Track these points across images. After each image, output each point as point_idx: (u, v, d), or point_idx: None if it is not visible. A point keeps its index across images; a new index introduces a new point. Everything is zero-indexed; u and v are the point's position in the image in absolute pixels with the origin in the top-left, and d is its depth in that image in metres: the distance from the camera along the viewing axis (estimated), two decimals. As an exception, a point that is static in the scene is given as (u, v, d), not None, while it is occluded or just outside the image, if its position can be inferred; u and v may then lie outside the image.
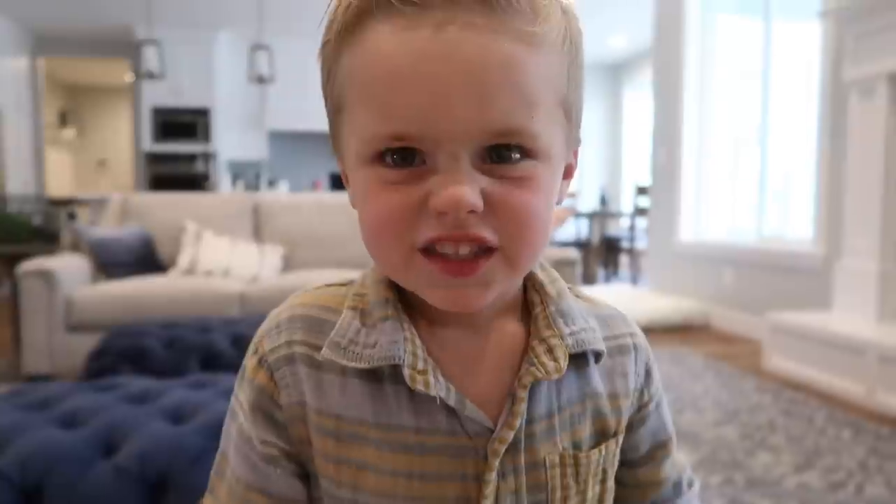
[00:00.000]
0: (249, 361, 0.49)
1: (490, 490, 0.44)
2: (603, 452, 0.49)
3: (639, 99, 7.94)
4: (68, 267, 3.08)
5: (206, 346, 2.12)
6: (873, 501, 1.85)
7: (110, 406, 1.35)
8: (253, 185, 7.57)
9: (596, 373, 0.50)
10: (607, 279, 6.87)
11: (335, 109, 0.45)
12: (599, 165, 8.52)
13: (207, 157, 7.26)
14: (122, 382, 1.56)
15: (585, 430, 0.49)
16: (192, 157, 7.24)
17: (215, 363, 2.07)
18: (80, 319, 2.96)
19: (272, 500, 0.46)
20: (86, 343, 2.67)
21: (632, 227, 6.48)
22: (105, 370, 1.99)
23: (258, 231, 3.79)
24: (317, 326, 0.47)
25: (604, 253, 7.17)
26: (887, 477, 1.99)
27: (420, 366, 0.44)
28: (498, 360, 0.47)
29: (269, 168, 7.87)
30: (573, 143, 0.47)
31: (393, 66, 0.39)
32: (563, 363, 0.46)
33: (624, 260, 7.22)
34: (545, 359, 0.46)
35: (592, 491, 0.49)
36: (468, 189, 0.39)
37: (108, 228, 3.53)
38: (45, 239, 4.65)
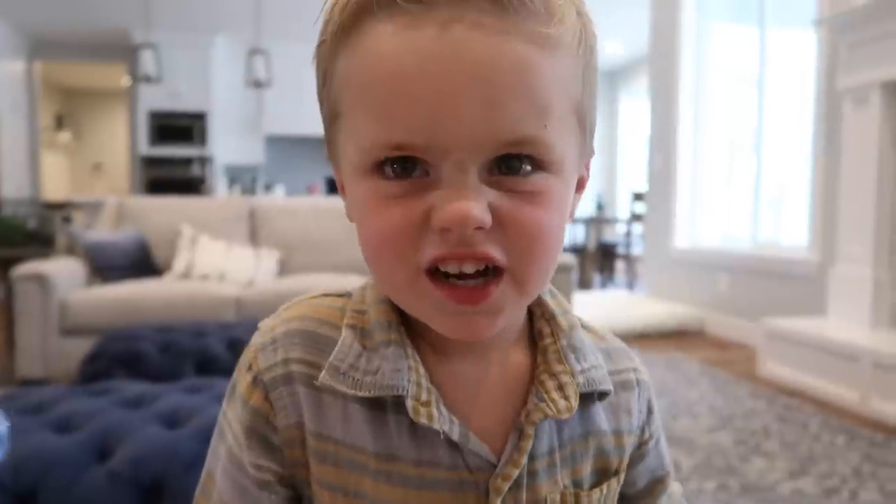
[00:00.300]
0: (243, 379, 0.45)
1: None
2: (604, 492, 0.48)
3: (635, 105, 7.97)
4: (63, 270, 3.07)
5: (201, 351, 2.12)
6: (867, 508, 1.85)
7: (105, 410, 1.35)
8: (249, 189, 7.56)
9: (601, 410, 0.48)
10: (603, 285, 6.87)
11: (331, 115, 0.42)
12: (595, 171, 8.38)
13: (204, 160, 7.26)
14: (116, 387, 1.56)
15: (586, 468, 0.47)
16: (188, 161, 7.24)
17: (210, 367, 2.07)
18: (74, 323, 2.95)
19: None
20: (80, 347, 2.66)
21: (628, 233, 6.50)
22: (99, 374, 1.98)
23: (254, 235, 3.78)
24: (315, 343, 0.44)
25: (600, 259, 7.18)
26: (881, 483, 2.00)
27: (424, 397, 0.42)
28: (503, 391, 0.45)
29: (265, 172, 7.87)
30: (586, 153, 0.44)
31: (394, 67, 0.36)
32: (574, 402, 0.44)
33: (620, 266, 7.23)
34: (555, 395, 0.44)
35: None
36: (475, 204, 0.36)
37: (103, 232, 3.52)
38: (41, 242, 4.65)
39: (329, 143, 0.44)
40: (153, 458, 1.17)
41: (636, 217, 6.32)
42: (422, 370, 0.43)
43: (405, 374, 0.42)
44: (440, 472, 0.43)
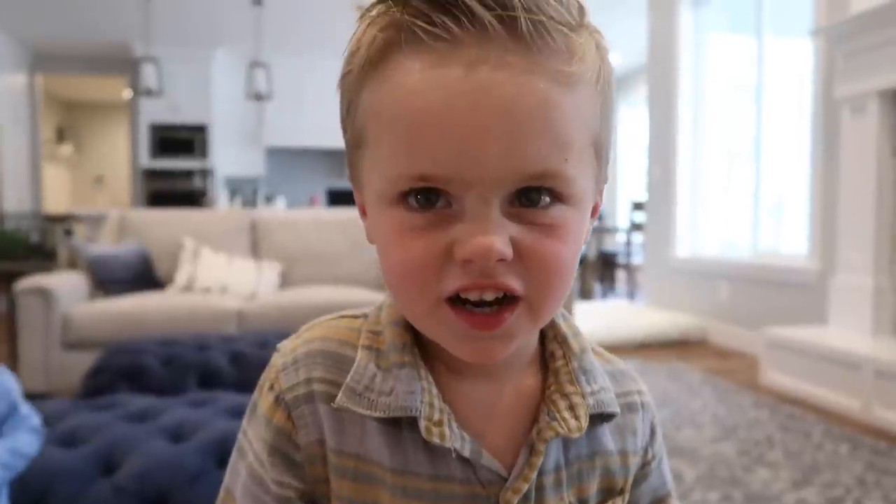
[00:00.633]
0: (265, 399, 0.47)
1: None
2: None
3: (634, 115, 8.00)
4: (66, 284, 3.08)
5: (203, 364, 2.12)
6: (871, 517, 1.85)
7: (109, 424, 1.35)
8: (250, 201, 7.58)
9: (607, 431, 0.50)
10: (604, 294, 6.87)
11: (355, 143, 0.44)
12: (595, 181, 8.54)
13: (205, 173, 7.28)
14: (120, 401, 1.56)
15: (592, 487, 0.49)
16: (189, 174, 7.26)
17: (213, 381, 2.07)
18: (77, 337, 2.95)
19: None
20: (83, 361, 2.67)
21: (628, 243, 6.50)
22: (103, 388, 1.99)
23: (256, 247, 3.79)
24: (335, 362, 0.46)
25: (600, 268, 7.19)
26: (885, 492, 1.99)
27: (436, 416, 0.44)
28: (515, 410, 0.47)
29: (266, 184, 7.89)
30: (601, 181, 0.45)
31: (422, 104, 0.37)
32: (584, 422, 0.46)
33: (620, 275, 7.23)
34: (567, 415, 0.46)
35: None
36: (497, 238, 0.37)
37: (105, 245, 3.53)
38: (43, 256, 4.65)
39: (352, 167, 0.46)
40: (158, 471, 1.18)
41: (636, 226, 6.33)
42: (434, 391, 0.45)
43: (418, 395, 0.44)
44: (454, 487, 0.44)
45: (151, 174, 7.23)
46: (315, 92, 7.27)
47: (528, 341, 0.48)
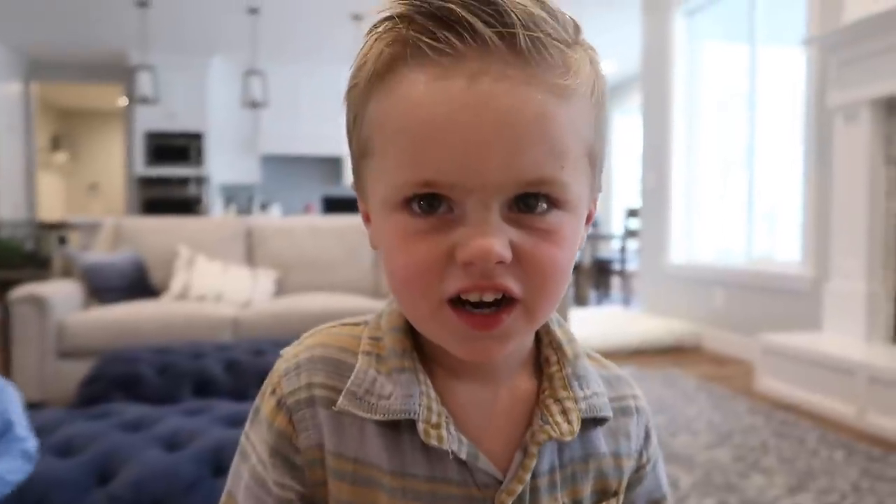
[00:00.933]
0: (267, 403, 0.48)
1: None
2: None
3: (628, 123, 8.04)
4: (60, 292, 3.07)
5: (199, 372, 2.12)
6: (866, 523, 1.85)
7: (105, 433, 1.35)
8: (245, 209, 7.58)
9: (600, 434, 0.51)
10: (599, 301, 6.89)
11: (361, 153, 0.45)
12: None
13: (200, 180, 7.28)
14: (116, 410, 1.56)
15: (586, 489, 0.50)
16: (184, 181, 7.25)
17: (209, 389, 2.06)
18: (71, 345, 2.94)
19: None
20: (77, 369, 2.66)
21: (622, 249, 6.52)
22: (97, 397, 1.98)
23: (251, 255, 3.79)
24: (336, 368, 0.48)
25: (595, 275, 7.20)
26: (880, 498, 2.00)
27: (434, 419, 0.45)
28: (510, 413, 0.49)
29: (261, 191, 7.90)
30: (595, 190, 0.47)
31: (428, 115, 0.39)
32: (577, 426, 0.48)
33: (615, 282, 7.24)
34: (559, 419, 0.48)
35: None
36: (496, 240, 0.39)
37: (100, 253, 3.52)
38: (37, 264, 4.64)
39: (356, 176, 0.48)
40: (154, 480, 1.17)
41: (631, 233, 6.35)
42: (433, 394, 0.46)
43: (416, 399, 0.46)
44: (451, 489, 0.46)
45: (146, 182, 7.22)
46: (311, 100, 7.29)
47: (524, 343, 0.50)
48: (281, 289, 3.66)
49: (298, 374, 0.48)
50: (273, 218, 6.09)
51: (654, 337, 4.27)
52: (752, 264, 4.21)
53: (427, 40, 0.39)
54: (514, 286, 0.41)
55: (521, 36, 0.39)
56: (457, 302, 0.42)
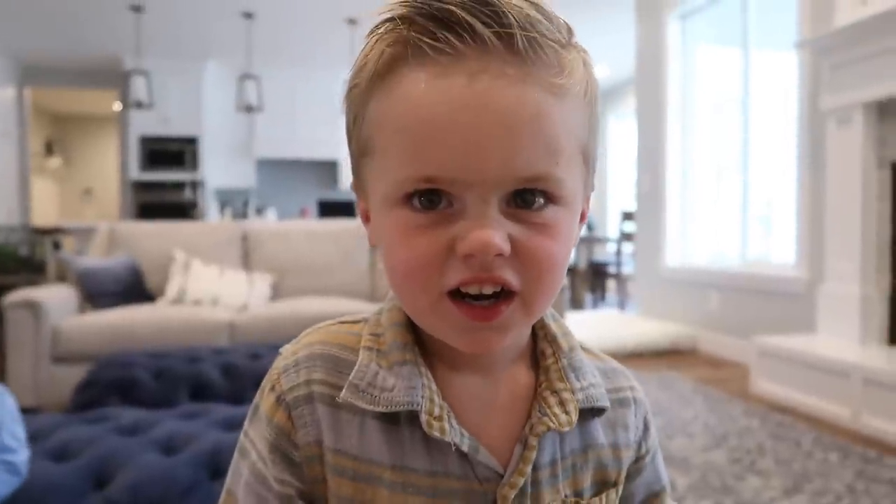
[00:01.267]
0: (266, 400, 0.49)
1: None
2: (603, 501, 0.51)
3: (622, 126, 8.07)
4: (55, 297, 3.06)
5: (194, 376, 2.12)
6: (861, 524, 1.86)
7: (101, 438, 1.35)
8: (241, 213, 7.57)
9: (598, 425, 0.52)
10: (595, 304, 6.90)
11: (361, 152, 0.46)
12: (585, 191, 8.58)
13: (195, 185, 7.26)
14: (112, 414, 1.55)
15: (586, 480, 0.51)
16: (179, 185, 7.24)
17: (205, 393, 2.06)
18: (66, 350, 2.93)
19: None
20: (72, 374, 2.65)
21: (618, 253, 6.53)
22: (93, 402, 1.98)
23: (247, 259, 3.78)
24: (335, 365, 0.48)
25: (591, 278, 7.21)
26: (875, 500, 2.01)
27: (436, 412, 0.46)
28: (509, 406, 0.49)
29: (257, 196, 7.89)
30: (589, 188, 0.48)
31: (428, 114, 0.41)
32: (574, 416, 0.48)
33: (611, 285, 7.26)
34: (557, 410, 0.48)
35: None
36: (496, 233, 0.41)
37: (95, 258, 3.51)
38: (32, 269, 4.62)
39: (356, 175, 0.48)
40: (150, 485, 1.17)
41: (626, 236, 6.36)
42: (434, 387, 0.47)
43: (419, 390, 0.46)
44: (452, 483, 0.46)
45: (141, 186, 7.20)
46: (305, 104, 7.29)
47: (521, 337, 0.50)
48: (277, 293, 3.66)
49: (297, 371, 0.48)
50: (269, 222, 6.08)
51: (649, 340, 4.28)
52: (747, 267, 4.22)
53: (428, 41, 0.40)
54: (512, 279, 0.42)
55: (518, 36, 0.40)
56: (456, 294, 0.42)
